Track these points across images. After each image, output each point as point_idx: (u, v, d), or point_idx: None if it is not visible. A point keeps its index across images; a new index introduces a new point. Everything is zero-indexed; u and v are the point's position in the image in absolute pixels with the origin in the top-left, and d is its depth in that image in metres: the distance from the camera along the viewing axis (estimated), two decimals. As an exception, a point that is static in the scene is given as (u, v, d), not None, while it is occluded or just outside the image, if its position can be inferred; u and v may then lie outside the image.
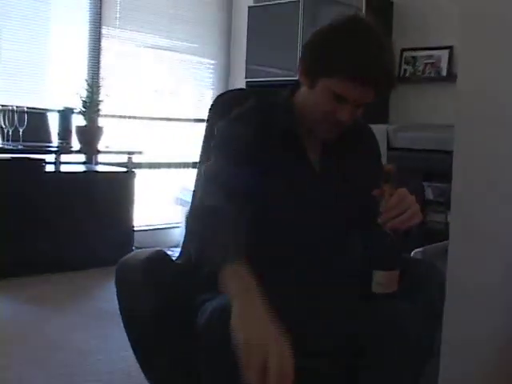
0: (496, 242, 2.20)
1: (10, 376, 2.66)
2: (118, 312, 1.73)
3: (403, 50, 5.09)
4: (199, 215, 1.52)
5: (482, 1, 2.24)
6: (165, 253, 1.79)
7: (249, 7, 5.62)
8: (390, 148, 4.73)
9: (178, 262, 1.94)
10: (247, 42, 5.59)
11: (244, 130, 1.64)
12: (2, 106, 4.31)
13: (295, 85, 1.73)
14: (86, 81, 4.80)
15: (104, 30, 5.23)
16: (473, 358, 2.25)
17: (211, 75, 6.07)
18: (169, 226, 5.55)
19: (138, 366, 1.74)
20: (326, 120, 1.60)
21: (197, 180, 2.01)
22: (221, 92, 3.76)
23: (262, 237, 1.58)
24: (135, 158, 5.07)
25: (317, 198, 1.66)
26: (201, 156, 2.03)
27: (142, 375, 1.76)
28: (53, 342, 3.08)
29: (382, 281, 1.56)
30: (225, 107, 1.95)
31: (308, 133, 1.69)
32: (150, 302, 1.64)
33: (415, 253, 2.52)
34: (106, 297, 3.72)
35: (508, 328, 2.16)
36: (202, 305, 1.51)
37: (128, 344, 1.73)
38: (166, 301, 1.68)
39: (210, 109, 2.08)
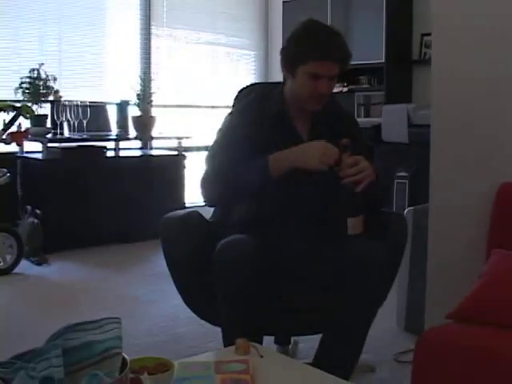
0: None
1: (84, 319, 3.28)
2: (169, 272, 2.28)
3: (423, 34, 5.53)
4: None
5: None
6: (199, 212, 2.33)
7: (283, 2, 6.17)
8: (410, 125, 5.20)
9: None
10: (283, 33, 6.12)
11: (241, 120, 2.19)
12: (68, 101, 4.95)
13: (284, 80, 2.29)
14: (139, 76, 5.44)
15: (153, 30, 5.85)
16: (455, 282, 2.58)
17: (253, 65, 6.63)
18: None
19: (183, 310, 2.24)
20: (311, 96, 2.14)
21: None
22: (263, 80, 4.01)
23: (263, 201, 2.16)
24: (185, 143, 5.67)
25: None
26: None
27: (187, 317, 2.24)
28: (116, 295, 3.75)
29: (351, 224, 2.11)
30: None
31: (298, 115, 2.23)
32: (185, 246, 2.22)
33: (407, 211, 3.02)
34: (159, 261, 4.34)
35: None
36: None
37: (177, 294, 2.26)
38: (196, 245, 2.22)
39: (234, 101, 2.54)
